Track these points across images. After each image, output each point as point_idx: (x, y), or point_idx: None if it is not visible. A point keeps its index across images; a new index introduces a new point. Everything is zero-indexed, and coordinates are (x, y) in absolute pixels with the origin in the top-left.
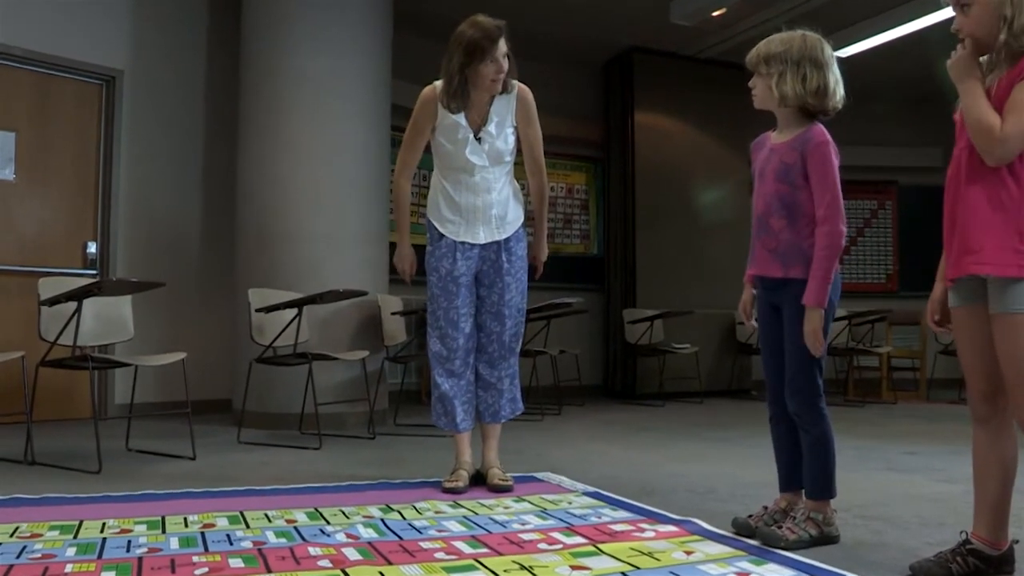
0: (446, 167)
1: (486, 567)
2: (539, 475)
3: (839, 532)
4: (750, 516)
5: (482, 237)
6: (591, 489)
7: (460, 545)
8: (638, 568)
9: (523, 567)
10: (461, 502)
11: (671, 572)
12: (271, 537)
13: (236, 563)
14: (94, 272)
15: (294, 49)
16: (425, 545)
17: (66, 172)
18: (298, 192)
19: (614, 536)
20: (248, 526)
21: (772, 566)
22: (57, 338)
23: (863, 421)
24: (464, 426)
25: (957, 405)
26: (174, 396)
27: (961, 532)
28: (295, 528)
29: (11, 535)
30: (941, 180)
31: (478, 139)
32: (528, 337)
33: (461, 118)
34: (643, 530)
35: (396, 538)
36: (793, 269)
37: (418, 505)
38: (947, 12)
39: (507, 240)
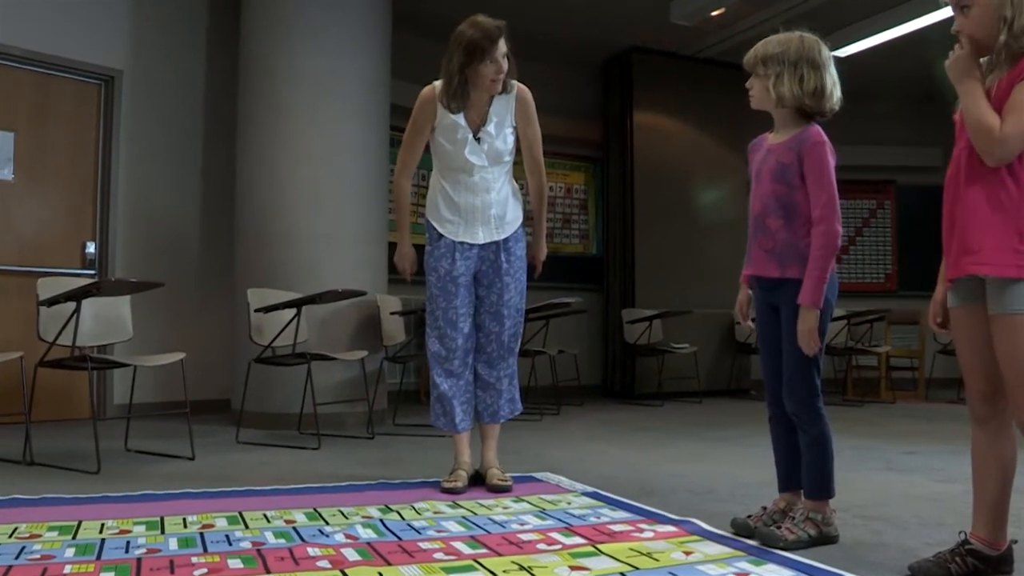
0: (445, 167)
1: (485, 568)
2: (538, 475)
3: (838, 532)
4: (749, 516)
5: (481, 237)
6: (590, 489)
7: (459, 545)
8: (637, 568)
9: (522, 567)
10: (460, 502)
11: (670, 572)
12: (270, 538)
13: (235, 564)
14: (93, 272)
15: (293, 49)
16: (424, 545)
17: (65, 172)
18: (297, 192)
19: (613, 536)
20: (247, 526)
21: (771, 566)
22: (56, 338)
23: (862, 421)
24: (463, 426)
25: (956, 405)
26: (173, 396)
27: (960, 532)
28: (294, 528)
29: (10, 536)
30: (940, 180)
31: (477, 139)
32: (527, 337)
33: (460, 118)
34: (642, 530)
35: (395, 538)
36: (790, 269)
37: (417, 505)
38: (946, 12)
39: (506, 240)
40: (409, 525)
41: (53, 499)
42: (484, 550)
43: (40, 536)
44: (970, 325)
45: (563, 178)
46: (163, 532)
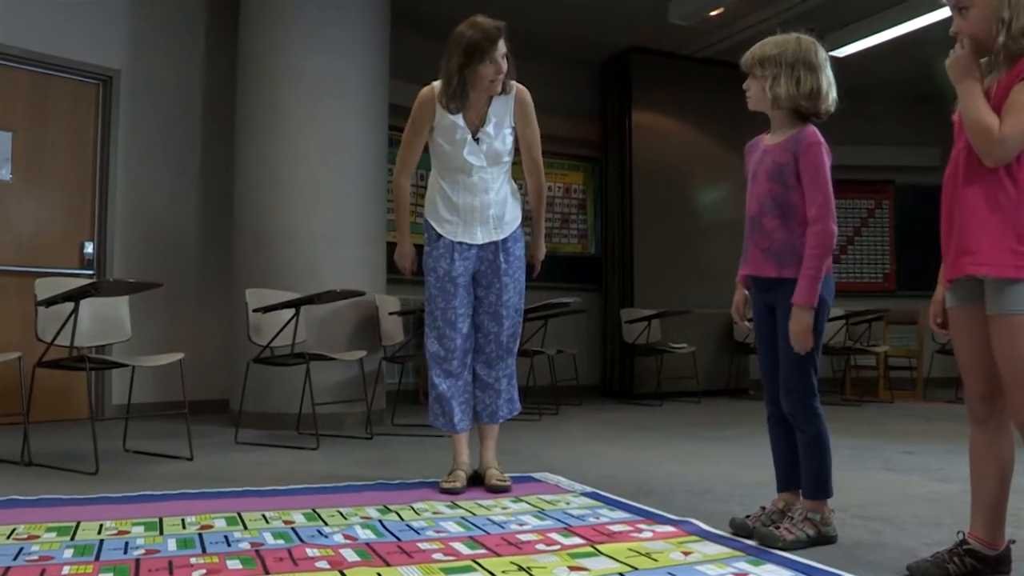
0: (444, 167)
1: (484, 568)
2: (537, 475)
3: (837, 532)
4: (748, 516)
5: (480, 237)
6: (589, 489)
7: (458, 546)
8: (636, 569)
9: (521, 568)
10: (459, 502)
11: (669, 573)
12: (269, 538)
13: (234, 564)
14: (91, 272)
15: (291, 49)
16: (423, 546)
17: (63, 172)
18: (296, 192)
19: (612, 537)
20: (246, 527)
21: (770, 566)
22: (54, 339)
23: (860, 420)
24: (462, 426)
25: (954, 404)
26: (171, 396)
27: (958, 532)
28: (293, 529)
29: (8, 537)
30: (938, 180)
31: (476, 140)
32: (526, 337)
33: (459, 119)
34: (641, 531)
35: (394, 539)
36: (787, 269)
37: (416, 506)
38: (943, 12)
39: (505, 240)
40: (408, 525)
41: (51, 500)
42: (483, 550)
43: (38, 537)
44: (968, 325)
45: (562, 178)
46: (162, 533)
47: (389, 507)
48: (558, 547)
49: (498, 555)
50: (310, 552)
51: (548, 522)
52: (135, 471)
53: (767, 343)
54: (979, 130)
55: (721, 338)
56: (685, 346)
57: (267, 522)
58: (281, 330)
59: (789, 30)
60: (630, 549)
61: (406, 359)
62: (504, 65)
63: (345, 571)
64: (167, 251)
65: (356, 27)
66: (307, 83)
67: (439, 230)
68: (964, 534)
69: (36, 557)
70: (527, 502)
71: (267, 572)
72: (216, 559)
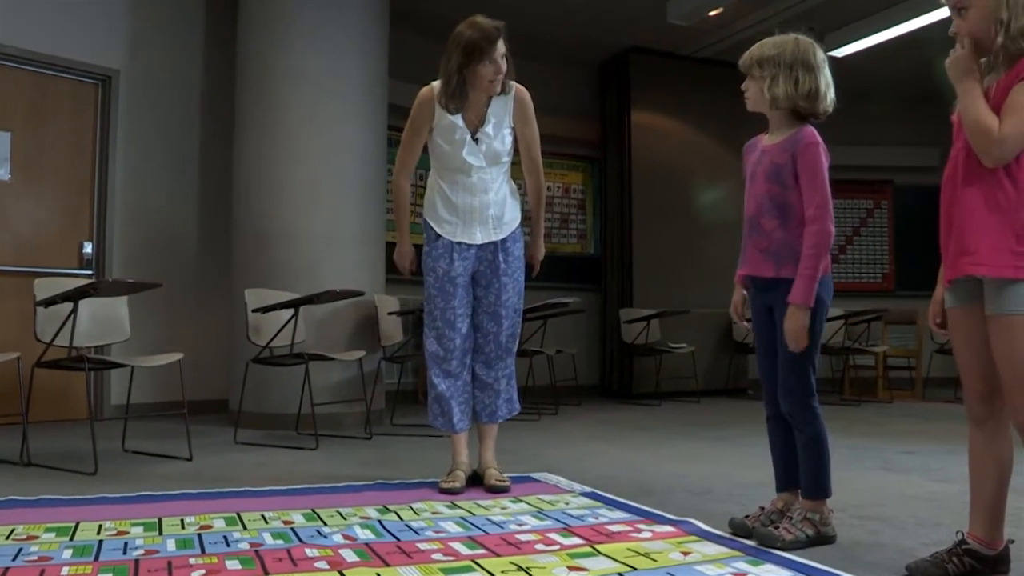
0: (443, 167)
1: (483, 568)
2: (536, 475)
3: (836, 532)
4: (747, 516)
5: (479, 238)
6: (588, 489)
7: (457, 546)
8: (635, 569)
9: (520, 568)
10: (458, 503)
11: (668, 573)
12: (268, 539)
13: (233, 565)
14: (90, 272)
15: (290, 48)
16: (422, 546)
17: (62, 172)
18: (295, 192)
19: (611, 537)
20: (245, 527)
21: (769, 566)
22: (53, 339)
23: (859, 420)
24: (461, 426)
25: (953, 404)
26: (170, 396)
27: (957, 532)
28: (292, 529)
29: (7, 537)
30: (937, 180)
31: (475, 140)
32: (525, 337)
33: (458, 119)
34: (640, 531)
35: (393, 539)
36: (785, 269)
37: (415, 506)
38: (943, 12)
39: (504, 240)
40: (407, 526)
41: (50, 500)
42: (482, 551)
43: (37, 537)
44: (967, 325)
45: (561, 178)
46: (161, 533)
47: (388, 507)
48: (557, 547)
49: (497, 555)
50: (309, 552)
51: (547, 522)
52: (134, 471)
53: (766, 343)
54: (978, 130)
55: (720, 338)
56: (684, 346)
57: (266, 522)
58: (280, 330)
59: (788, 30)
60: (629, 549)
61: (405, 359)
62: (503, 65)
63: (344, 571)
64: (166, 251)
65: (355, 27)
66: (306, 83)
67: (438, 230)
68: (963, 534)
69: (35, 557)
70: (526, 502)
71: (266, 572)
72: (215, 559)
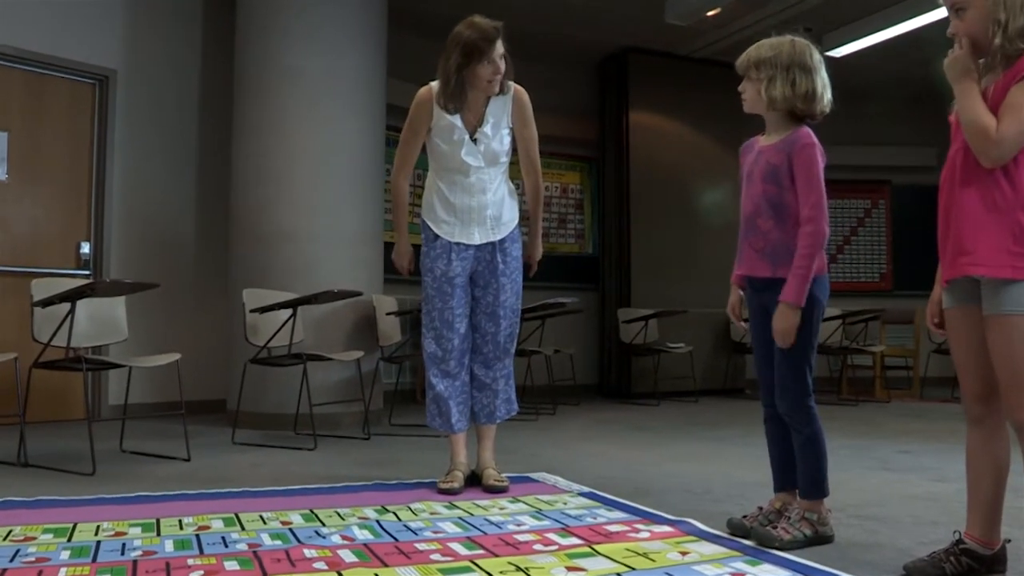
0: (441, 168)
1: (482, 569)
2: (534, 476)
3: (834, 532)
4: (745, 516)
5: (477, 238)
6: (586, 490)
7: (456, 547)
8: (633, 569)
9: (519, 568)
10: (456, 503)
11: (666, 573)
12: (266, 539)
13: (232, 565)
14: (87, 272)
15: (289, 48)
16: (421, 547)
17: (59, 172)
18: (293, 192)
19: (609, 537)
20: (243, 528)
21: (767, 566)
22: (51, 339)
23: (857, 420)
24: (459, 427)
25: (950, 403)
26: (168, 397)
27: (954, 532)
28: (290, 530)
29: (4, 538)
30: (935, 180)
31: (474, 140)
32: (523, 337)
33: (457, 119)
34: (638, 531)
35: (392, 540)
36: (781, 269)
37: (413, 506)
38: (940, 12)
39: (502, 241)
40: (405, 526)
41: (48, 501)
42: (481, 551)
43: (35, 539)
44: (965, 326)
45: (559, 178)
46: (159, 534)
47: (387, 508)
48: (556, 547)
49: (496, 555)
50: (308, 553)
51: (546, 522)
52: (132, 472)
53: (763, 343)
54: (976, 131)
55: (718, 338)
56: (682, 346)
57: (264, 523)
58: (278, 330)
59: (785, 31)
60: (627, 549)
61: (403, 359)
62: (502, 65)
63: (343, 572)
64: (164, 251)
65: (354, 26)
66: (305, 82)
67: (436, 230)
68: (960, 533)
69: (33, 559)
70: (525, 502)
71: (265, 573)
72: (214, 560)
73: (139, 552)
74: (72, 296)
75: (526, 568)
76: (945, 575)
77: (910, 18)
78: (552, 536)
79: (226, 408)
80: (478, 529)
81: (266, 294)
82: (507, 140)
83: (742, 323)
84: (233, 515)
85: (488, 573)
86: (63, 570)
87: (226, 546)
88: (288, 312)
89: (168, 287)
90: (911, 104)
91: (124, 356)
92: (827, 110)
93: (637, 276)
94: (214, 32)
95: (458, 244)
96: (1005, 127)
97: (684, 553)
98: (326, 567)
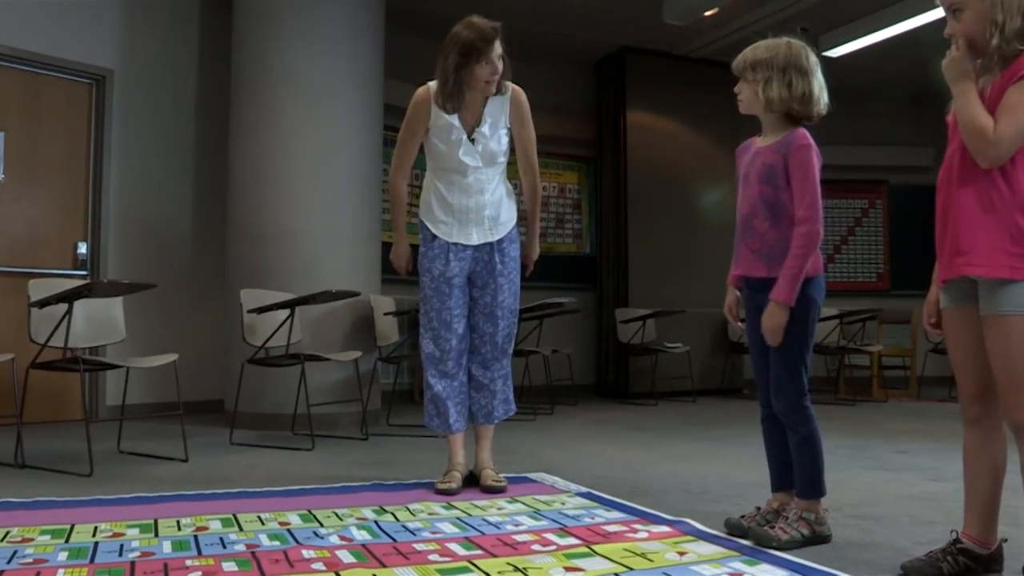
0: (439, 168)
1: (480, 569)
2: (532, 476)
3: (831, 531)
4: (743, 516)
5: (475, 238)
6: (584, 490)
7: (454, 547)
8: (631, 569)
9: (517, 569)
10: (454, 503)
11: (664, 573)
12: (264, 540)
13: (230, 566)
14: (84, 273)
15: (286, 48)
16: (419, 547)
17: (56, 172)
18: (291, 192)
19: (607, 537)
20: (241, 529)
21: (765, 566)
22: (48, 340)
23: (854, 419)
24: (457, 427)
25: (947, 403)
26: (166, 397)
27: (951, 531)
28: (288, 531)
29: (2, 540)
30: (932, 180)
31: (471, 140)
32: (521, 337)
33: (454, 119)
34: (636, 531)
35: (390, 540)
36: (777, 269)
37: (411, 507)
38: (937, 12)
39: (500, 241)
40: (404, 526)
41: (45, 502)
42: (479, 551)
43: (32, 540)
44: (962, 326)
45: (556, 178)
46: (157, 535)
47: (385, 508)
48: (554, 548)
49: (494, 556)
50: (306, 554)
51: (544, 523)
52: (130, 473)
53: (759, 344)
54: (974, 131)
55: (716, 337)
56: (680, 346)
57: (263, 523)
58: (276, 331)
59: (782, 31)
60: (625, 549)
61: (401, 359)
62: (500, 66)
63: (341, 572)
64: (161, 251)
65: (351, 27)
66: (302, 82)
67: (434, 231)
68: (957, 533)
69: (30, 560)
70: (523, 503)
71: (263, 574)
72: (212, 561)
73: (137, 553)
74: (69, 296)
75: (524, 568)
76: (942, 574)
77: (907, 18)
78: (550, 536)
79: (224, 408)
80: (476, 529)
81: (264, 294)
82: (505, 140)
83: (739, 323)
84: (231, 516)
85: (486, 573)
86: (61, 571)
87: (224, 547)
88: (286, 312)
89: (166, 288)
90: (908, 104)
91: (121, 357)
92: (823, 112)
93: (635, 276)
94: (211, 33)
95: (456, 244)
96: (1002, 128)
97: (682, 553)
98: (324, 568)
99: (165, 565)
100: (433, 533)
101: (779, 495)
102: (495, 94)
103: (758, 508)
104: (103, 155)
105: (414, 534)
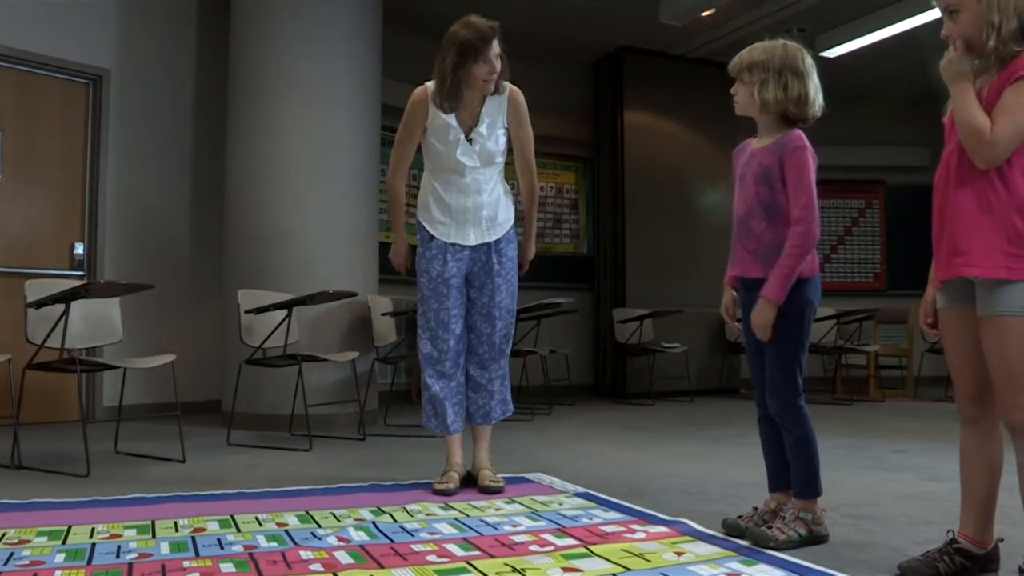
0: (437, 168)
1: (478, 570)
2: (530, 476)
3: (828, 531)
4: (740, 517)
5: (472, 239)
6: (582, 490)
7: (452, 548)
8: (629, 570)
9: (515, 569)
10: (452, 504)
11: (662, 573)
12: (262, 541)
13: (227, 568)
14: (81, 273)
15: (284, 49)
16: (417, 548)
17: (53, 172)
18: (288, 192)
19: (605, 538)
20: (239, 530)
21: (762, 566)
22: (44, 341)
23: (851, 419)
24: (455, 427)
25: (944, 403)
26: (163, 398)
27: (948, 531)
28: (286, 531)
29: None
30: (928, 179)
31: (469, 140)
32: (518, 337)
33: (452, 119)
34: (634, 531)
35: (388, 541)
36: (772, 270)
37: (409, 507)
38: (934, 13)
39: (497, 241)
40: (401, 527)
41: (42, 503)
42: (477, 552)
43: (29, 541)
44: (959, 326)
45: (554, 178)
46: (154, 536)
47: (383, 509)
48: (551, 548)
49: (492, 556)
50: (304, 555)
51: (541, 523)
52: (127, 473)
53: (755, 344)
54: (971, 131)
55: (713, 337)
56: (677, 346)
57: (260, 524)
58: (273, 331)
59: (778, 33)
60: (623, 550)
61: (398, 360)
62: (498, 65)
63: (339, 573)
64: (158, 252)
65: (349, 27)
66: (299, 83)
67: (431, 231)
68: (954, 533)
69: (27, 562)
70: (520, 503)
71: (261, 575)
72: (209, 562)
73: (134, 554)
74: (66, 297)
75: (522, 569)
76: (939, 574)
77: (904, 19)
78: (548, 537)
79: (221, 409)
80: (474, 530)
81: (261, 295)
82: (503, 140)
83: (736, 323)
84: (229, 517)
85: (484, 574)
86: (58, 573)
87: (222, 548)
88: (283, 313)
89: (163, 288)
90: (905, 104)
91: (119, 357)
92: (819, 114)
93: (632, 276)
94: (208, 34)
95: (453, 245)
96: (999, 128)
97: (680, 553)
98: (322, 569)
99: (163, 566)
100: (431, 534)
101: (776, 495)
102: (493, 93)
103: (755, 508)
104: (100, 155)
105: (412, 535)
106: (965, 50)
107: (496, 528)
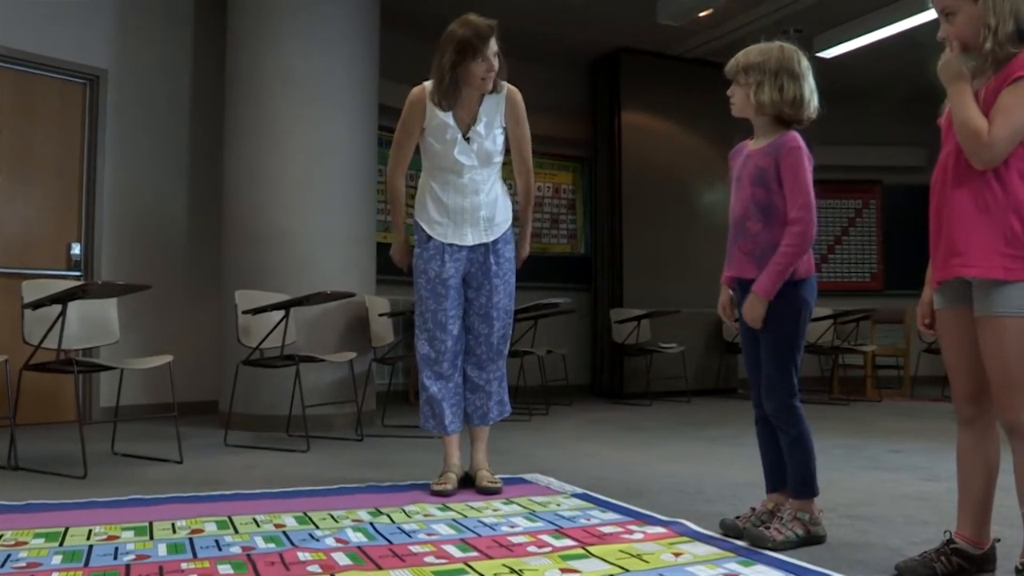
0: (434, 167)
1: (476, 571)
2: (528, 477)
3: (826, 532)
4: (738, 517)
5: (470, 239)
6: (580, 491)
7: (450, 548)
8: (627, 570)
9: (513, 570)
10: (450, 505)
11: (660, 574)
12: (260, 542)
13: (225, 569)
14: (78, 274)
15: (281, 48)
16: (415, 549)
17: (50, 172)
18: (285, 192)
19: (603, 538)
20: (237, 531)
21: (760, 567)
22: (41, 341)
23: (848, 419)
24: (452, 428)
25: (941, 402)
26: (160, 399)
27: (945, 531)
28: (284, 533)
29: None
30: (925, 180)
31: (467, 139)
32: (515, 337)
33: (449, 117)
34: (632, 532)
35: (386, 542)
36: None
37: (407, 508)
38: (931, 13)
39: (495, 242)
40: (399, 528)
41: (39, 505)
42: (474, 553)
43: (26, 543)
44: (956, 327)
45: (551, 178)
46: (152, 538)
47: (380, 510)
48: (549, 549)
49: (490, 557)
50: (301, 556)
51: (539, 524)
52: (124, 475)
53: (752, 345)
54: (969, 133)
55: (710, 338)
56: (674, 346)
57: (258, 526)
58: (271, 332)
59: (775, 33)
60: (621, 551)
61: (396, 360)
62: (495, 63)
63: (337, 575)
64: (155, 252)
65: (346, 27)
66: (297, 83)
67: (429, 232)
68: (951, 533)
69: (24, 564)
70: (518, 504)
71: None
72: (207, 564)
73: (132, 556)
74: (63, 298)
75: (520, 570)
76: (936, 574)
77: (901, 19)
78: (546, 538)
79: (218, 410)
80: (472, 531)
81: (258, 295)
82: (500, 140)
83: (734, 323)
84: (226, 518)
85: (482, 575)
86: (55, 574)
87: (220, 549)
88: (280, 313)
89: (160, 289)
90: (902, 105)
91: (116, 358)
92: (814, 116)
93: (629, 276)
94: (205, 33)
95: (451, 245)
96: (997, 129)
97: (677, 554)
98: (320, 570)
99: (160, 568)
100: (429, 535)
101: (774, 496)
102: (490, 92)
103: (753, 509)
104: (97, 155)
105: (410, 536)
106: (963, 50)
107: (494, 529)
